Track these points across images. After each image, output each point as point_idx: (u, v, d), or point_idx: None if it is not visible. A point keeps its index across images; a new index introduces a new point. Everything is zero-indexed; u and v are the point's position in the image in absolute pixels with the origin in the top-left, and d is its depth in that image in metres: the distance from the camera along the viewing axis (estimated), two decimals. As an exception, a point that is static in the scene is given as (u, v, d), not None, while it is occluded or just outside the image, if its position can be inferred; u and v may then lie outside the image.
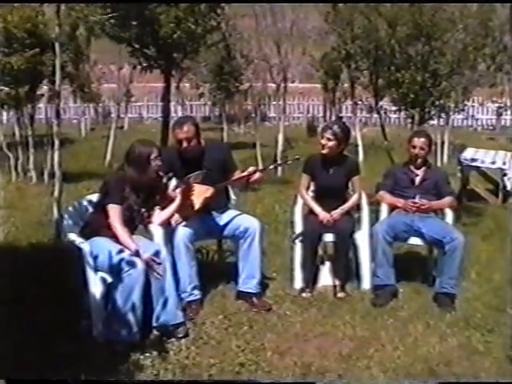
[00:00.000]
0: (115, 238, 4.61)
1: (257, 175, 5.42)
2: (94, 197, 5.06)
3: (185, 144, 5.30)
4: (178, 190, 5.02)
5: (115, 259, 4.44)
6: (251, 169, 5.42)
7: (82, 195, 5.60)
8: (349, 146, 6.15)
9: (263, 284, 5.57)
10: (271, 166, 6.56)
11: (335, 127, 5.75)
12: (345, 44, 8.74)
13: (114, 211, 4.64)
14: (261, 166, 11.73)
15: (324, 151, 5.74)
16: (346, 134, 5.80)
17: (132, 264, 4.39)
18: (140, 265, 4.41)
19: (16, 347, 4.13)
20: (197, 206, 5.20)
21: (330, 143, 5.70)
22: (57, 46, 6.56)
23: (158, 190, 5.00)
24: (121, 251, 4.47)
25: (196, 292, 5.18)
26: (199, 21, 10.94)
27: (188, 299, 5.11)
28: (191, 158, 5.36)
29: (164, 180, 4.99)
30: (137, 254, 4.44)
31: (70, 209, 5.18)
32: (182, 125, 5.35)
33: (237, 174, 5.54)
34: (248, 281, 5.33)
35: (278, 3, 12.89)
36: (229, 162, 5.65)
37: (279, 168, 12.38)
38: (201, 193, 5.21)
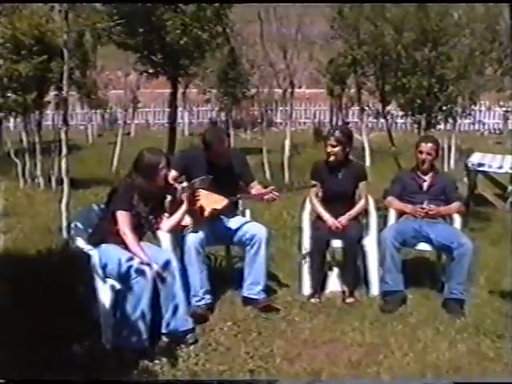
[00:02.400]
0: (124, 245, 4.61)
1: (274, 194, 5.41)
2: (102, 204, 5.07)
3: (222, 160, 5.43)
4: (184, 196, 5.03)
5: (124, 266, 4.44)
6: (270, 189, 5.43)
7: (90, 201, 5.62)
8: (355, 151, 6.14)
9: (271, 290, 5.57)
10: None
11: (337, 133, 5.76)
12: (351, 49, 8.75)
13: (123, 218, 4.64)
14: (268, 172, 11.77)
15: (330, 158, 5.75)
16: (349, 138, 5.81)
17: (141, 271, 4.40)
18: (149, 272, 4.41)
19: (25, 354, 4.13)
20: (206, 213, 5.21)
21: (335, 149, 5.71)
22: (65, 52, 6.59)
23: (167, 197, 5.01)
24: (130, 259, 4.47)
25: (207, 296, 5.20)
26: (205, 27, 10.97)
27: (200, 303, 5.12)
28: (215, 166, 5.40)
29: (175, 185, 5.00)
30: (147, 264, 4.45)
31: (78, 215, 5.20)
32: (222, 140, 5.51)
33: (254, 185, 5.61)
34: (252, 287, 5.34)
35: (283, 3, 12.89)
36: (246, 171, 5.70)
37: (286, 174, 12.38)
38: (214, 202, 5.22)
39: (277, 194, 5.39)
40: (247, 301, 5.35)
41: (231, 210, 5.57)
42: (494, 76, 11.69)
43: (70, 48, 7.38)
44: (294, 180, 11.97)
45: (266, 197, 5.40)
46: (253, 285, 5.35)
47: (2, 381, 3.63)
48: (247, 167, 5.77)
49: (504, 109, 22.48)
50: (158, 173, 4.76)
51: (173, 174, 5.18)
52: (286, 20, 13.07)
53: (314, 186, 5.84)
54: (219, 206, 5.25)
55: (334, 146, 5.70)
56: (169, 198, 5.06)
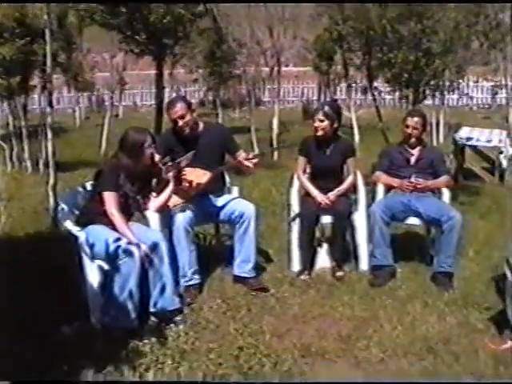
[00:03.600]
0: (111, 226, 4.60)
1: (255, 160, 5.37)
2: (90, 185, 5.04)
3: (180, 123, 5.30)
4: (170, 175, 5.00)
5: (111, 247, 4.43)
6: (252, 154, 5.40)
7: (78, 184, 5.58)
8: (344, 127, 6.13)
9: (261, 267, 5.57)
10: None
11: (326, 108, 5.74)
12: (337, 25, 8.72)
13: (110, 198, 4.62)
14: (257, 150, 11.74)
15: (318, 133, 5.72)
16: (337, 114, 5.78)
17: (128, 252, 4.38)
18: (137, 253, 4.40)
19: (14, 335, 4.12)
20: (194, 190, 5.19)
21: (323, 124, 5.68)
22: (47, 33, 6.53)
23: (154, 177, 4.99)
24: (117, 239, 4.46)
25: (196, 276, 5.19)
26: (188, 5, 10.88)
27: (188, 283, 5.12)
28: (189, 140, 5.35)
29: (160, 165, 4.97)
30: (135, 244, 4.44)
31: (66, 197, 5.18)
32: (173, 104, 5.37)
33: (239, 154, 5.52)
34: (243, 265, 5.34)
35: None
36: (230, 142, 5.64)
37: (275, 152, 12.36)
38: (198, 177, 5.20)
39: (255, 160, 5.32)
40: (238, 279, 5.35)
41: (218, 187, 5.55)
42: (480, 49, 11.65)
43: (53, 30, 7.31)
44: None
45: (246, 163, 5.31)
46: (243, 263, 5.34)
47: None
48: (230, 138, 5.70)
49: (492, 83, 22.52)
50: (143, 151, 4.73)
51: (156, 157, 5.13)
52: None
53: (294, 144, 5.82)
54: (203, 181, 5.23)
55: (321, 121, 5.68)
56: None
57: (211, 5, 12.04)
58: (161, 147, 4.99)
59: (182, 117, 5.29)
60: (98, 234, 4.57)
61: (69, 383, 3.73)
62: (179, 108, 5.31)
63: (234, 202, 5.47)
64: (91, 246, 4.54)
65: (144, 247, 4.47)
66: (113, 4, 10.31)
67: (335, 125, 5.74)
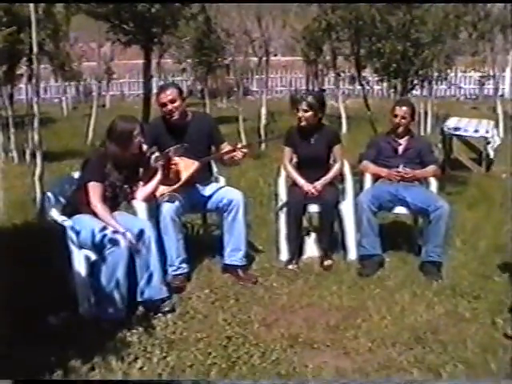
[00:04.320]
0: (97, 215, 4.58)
1: (244, 151, 5.36)
2: (76, 175, 5.01)
3: (169, 106, 5.27)
4: (158, 164, 4.97)
5: (98, 237, 4.40)
6: (240, 145, 5.40)
7: (65, 174, 5.55)
8: (332, 117, 6.12)
9: (249, 257, 5.56)
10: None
11: (309, 98, 5.73)
12: (325, 14, 8.70)
13: (94, 189, 4.59)
14: (244, 140, 11.72)
15: (302, 123, 5.72)
16: (321, 103, 5.78)
17: (115, 242, 4.36)
18: (123, 242, 4.37)
19: (2, 326, 4.09)
20: (182, 179, 5.17)
21: (307, 114, 5.68)
22: (33, 22, 6.47)
23: (141, 166, 4.97)
24: (103, 229, 4.43)
25: (184, 265, 5.18)
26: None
27: (176, 273, 5.11)
28: (176, 130, 5.34)
29: (147, 155, 4.94)
30: (122, 233, 4.42)
31: (52, 186, 5.14)
32: (165, 89, 5.37)
33: (224, 146, 5.51)
34: (233, 253, 5.32)
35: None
36: (215, 134, 5.63)
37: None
38: (186, 167, 5.18)
39: (244, 150, 5.34)
40: (228, 268, 5.34)
41: (205, 177, 5.53)
42: (468, 40, 11.69)
43: (40, 19, 7.25)
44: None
45: (234, 153, 5.32)
46: (234, 251, 5.33)
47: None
48: (216, 129, 5.71)
49: (479, 74, 22.59)
50: (132, 140, 4.69)
51: (144, 147, 5.10)
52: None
53: (282, 135, 5.85)
54: (191, 171, 5.21)
55: (305, 111, 5.67)
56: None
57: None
58: (149, 135, 4.96)
59: (172, 101, 5.27)
60: (85, 224, 4.54)
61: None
62: (170, 92, 5.30)
63: (221, 191, 5.45)
64: (78, 236, 4.51)
65: (129, 235, 4.44)
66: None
67: (319, 115, 5.74)
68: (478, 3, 8.88)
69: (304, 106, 5.67)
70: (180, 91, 5.40)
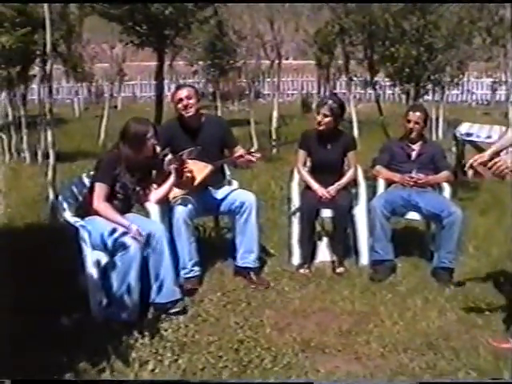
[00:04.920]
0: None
1: (257, 155, 5.37)
2: (89, 176, 5.02)
3: (185, 102, 5.32)
4: (172, 167, 4.98)
5: (109, 240, 4.42)
6: (253, 149, 5.42)
7: (77, 175, 5.57)
8: (343, 121, 6.11)
9: (261, 259, 5.55)
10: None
11: (331, 102, 5.71)
12: (339, 18, 8.70)
13: (99, 189, 4.61)
14: (256, 143, 11.73)
15: (321, 127, 5.71)
16: (341, 109, 5.77)
17: (125, 245, 4.35)
18: (134, 245, 4.37)
19: (14, 327, 4.10)
20: (195, 182, 5.18)
21: (327, 119, 5.66)
22: (47, 23, 6.49)
23: (155, 168, 4.97)
24: (112, 232, 4.44)
25: (196, 268, 5.17)
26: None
27: (188, 276, 5.11)
28: (192, 129, 5.38)
29: (160, 157, 4.95)
30: (130, 230, 4.44)
31: (65, 188, 5.16)
32: (181, 87, 5.51)
33: (237, 150, 5.52)
34: (246, 256, 5.31)
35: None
36: (228, 137, 5.64)
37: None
38: (199, 170, 5.19)
39: (258, 154, 5.35)
40: (240, 270, 5.33)
41: (218, 180, 5.54)
42: (482, 45, 11.63)
43: (54, 19, 7.27)
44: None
45: (246, 156, 5.32)
46: (246, 253, 5.32)
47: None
48: (229, 133, 5.72)
49: (491, 79, 22.49)
50: (145, 142, 4.70)
51: (157, 149, 5.11)
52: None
53: (296, 140, 5.90)
54: (204, 174, 5.21)
55: (326, 116, 5.65)
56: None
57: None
58: (163, 136, 4.98)
59: (188, 97, 5.32)
60: (97, 226, 4.56)
61: (69, 383, 3.71)
62: (187, 90, 5.38)
63: (234, 193, 5.46)
64: (91, 238, 4.52)
65: (135, 227, 4.46)
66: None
67: (338, 120, 5.73)
68: (483, 3, 8.83)
69: (325, 110, 5.65)
70: (196, 91, 5.46)
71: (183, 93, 5.33)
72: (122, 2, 10.65)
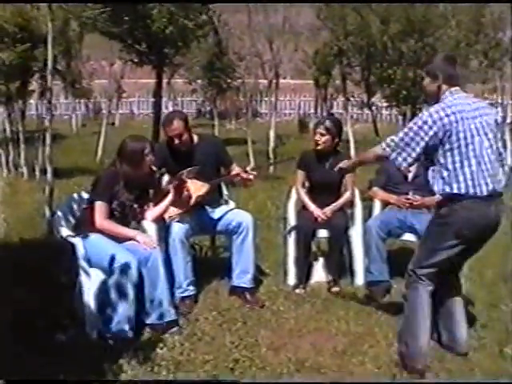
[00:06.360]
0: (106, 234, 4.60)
1: (254, 173, 5.40)
2: (87, 192, 5.04)
3: (176, 141, 5.32)
4: (170, 186, 5.02)
5: (107, 257, 4.42)
6: (250, 167, 5.44)
7: (74, 191, 5.58)
8: (340, 142, 6.13)
9: (257, 279, 5.56)
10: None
11: (327, 122, 5.75)
12: (337, 40, 8.77)
13: (100, 209, 4.63)
14: (252, 163, 11.74)
15: (318, 147, 5.74)
16: (338, 129, 5.81)
17: (124, 262, 4.37)
18: (133, 263, 4.39)
19: (9, 343, 4.10)
20: (192, 201, 5.19)
21: (324, 138, 5.70)
22: (49, 41, 6.53)
23: (152, 186, 5.00)
24: (113, 251, 4.45)
25: (191, 288, 5.17)
26: (191, 16, 10.92)
27: (183, 295, 5.11)
28: (183, 153, 5.37)
29: (157, 175, 4.97)
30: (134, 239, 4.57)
31: (62, 205, 5.17)
32: (171, 121, 5.36)
33: (233, 168, 5.55)
34: (242, 276, 5.32)
35: (270, 3, 12.87)
36: (223, 156, 5.66)
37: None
38: (196, 189, 5.21)
39: (254, 173, 5.37)
40: (236, 290, 5.34)
41: (215, 199, 5.56)
42: (479, 68, 11.72)
43: (55, 36, 7.32)
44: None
45: (243, 175, 5.34)
46: (242, 273, 5.33)
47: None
48: (224, 151, 5.73)
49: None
50: (143, 158, 4.73)
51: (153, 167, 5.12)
52: (272, 10, 13.04)
53: (293, 158, 5.84)
54: (201, 193, 5.23)
55: (322, 135, 5.69)
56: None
57: (213, 14, 12.07)
58: (156, 157, 5.00)
59: (179, 136, 5.32)
60: (95, 244, 4.58)
61: (66, 383, 3.71)
62: (176, 126, 5.32)
63: (231, 213, 5.48)
64: (87, 255, 4.55)
65: (142, 236, 4.64)
66: (116, 12, 10.29)
67: (336, 139, 5.76)
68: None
69: (321, 129, 5.69)
70: (186, 122, 5.41)
71: (173, 130, 5.31)
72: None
